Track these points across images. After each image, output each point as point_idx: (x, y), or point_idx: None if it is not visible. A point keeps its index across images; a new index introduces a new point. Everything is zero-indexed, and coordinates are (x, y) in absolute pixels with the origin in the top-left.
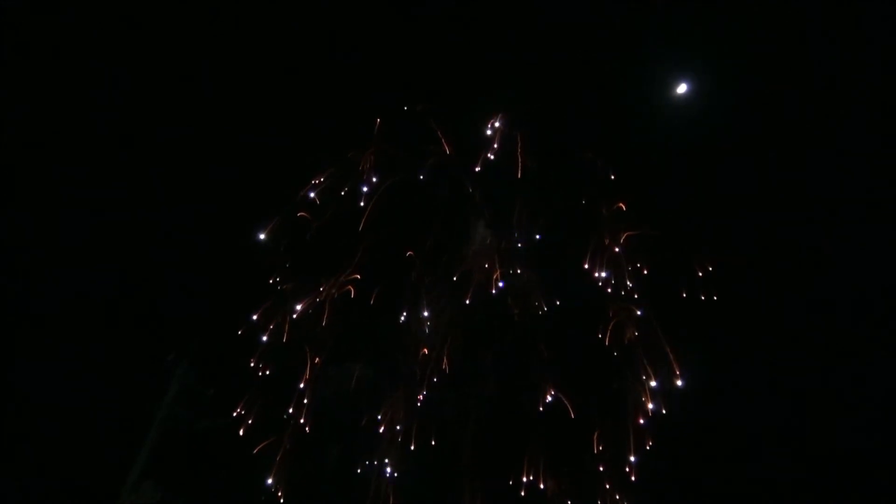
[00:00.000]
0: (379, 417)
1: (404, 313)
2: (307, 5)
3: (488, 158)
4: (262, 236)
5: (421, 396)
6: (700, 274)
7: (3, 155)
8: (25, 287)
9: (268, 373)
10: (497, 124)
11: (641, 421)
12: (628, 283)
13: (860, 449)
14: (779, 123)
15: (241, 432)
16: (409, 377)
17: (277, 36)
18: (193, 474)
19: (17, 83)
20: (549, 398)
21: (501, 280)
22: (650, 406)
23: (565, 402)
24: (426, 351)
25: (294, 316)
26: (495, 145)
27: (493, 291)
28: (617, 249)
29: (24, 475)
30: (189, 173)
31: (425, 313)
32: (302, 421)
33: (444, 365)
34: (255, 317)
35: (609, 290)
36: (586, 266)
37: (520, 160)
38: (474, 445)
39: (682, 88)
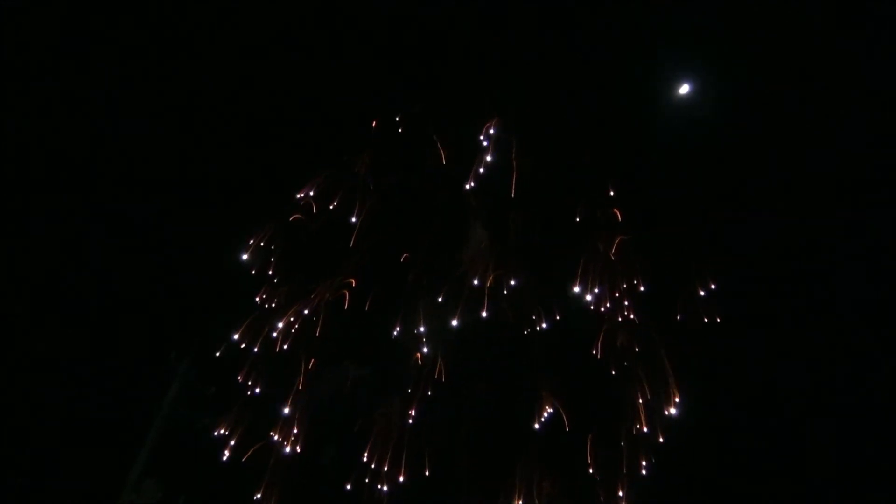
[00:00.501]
0: (373, 421)
1: (398, 328)
2: (302, 7)
3: (485, 166)
4: (245, 256)
5: (413, 410)
6: (701, 292)
7: (4, 157)
8: (26, 287)
9: (257, 391)
10: (492, 131)
11: (635, 430)
12: (625, 302)
13: (864, 477)
14: (780, 126)
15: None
16: (404, 381)
17: (271, 39)
18: (194, 474)
19: (12, 83)
20: (545, 412)
21: (496, 285)
22: (645, 429)
23: (561, 413)
24: (419, 356)
25: (275, 334)
26: (488, 158)
27: (485, 312)
28: (612, 256)
29: (25, 475)
30: (188, 174)
31: (421, 328)
32: (296, 424)
33: (438, 372)
34: (235, 336)
35: (602, 310)
36: (578, 285)
37: (515, 166)
38: (469, 454)
39: (684, 89)
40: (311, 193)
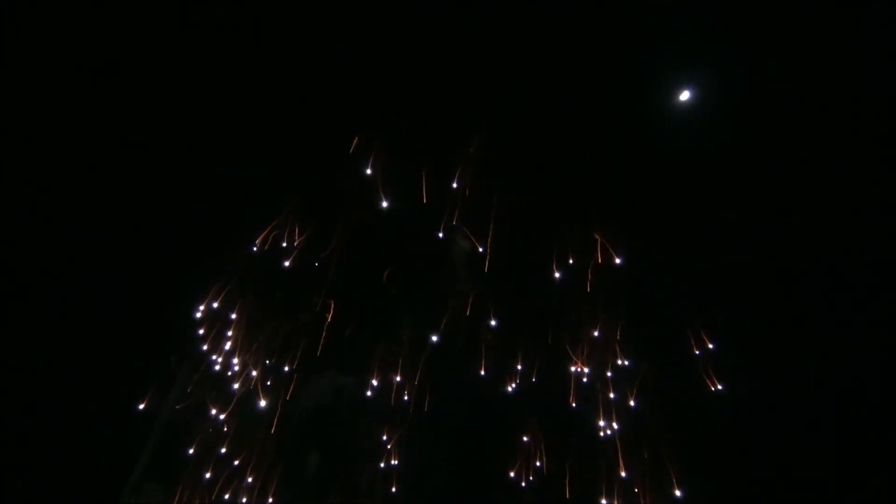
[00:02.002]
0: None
1: (376, 377)
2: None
3: (458, 218)
4: (199, 315)
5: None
6: (696, 352)
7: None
8: (29, 288)
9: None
10: (472, 150)
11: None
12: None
13: None
14: (782, 134)
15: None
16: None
17: (258, 50)
18: (194, 475)
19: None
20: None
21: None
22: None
23: (540, 463)
24: (396, 379)
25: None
26: (466, 202)
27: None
28: (589, 282)
29: (27, 476)
30: (190, 178)
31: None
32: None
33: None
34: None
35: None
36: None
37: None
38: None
39: (684, 96)
40: (284, 241)
